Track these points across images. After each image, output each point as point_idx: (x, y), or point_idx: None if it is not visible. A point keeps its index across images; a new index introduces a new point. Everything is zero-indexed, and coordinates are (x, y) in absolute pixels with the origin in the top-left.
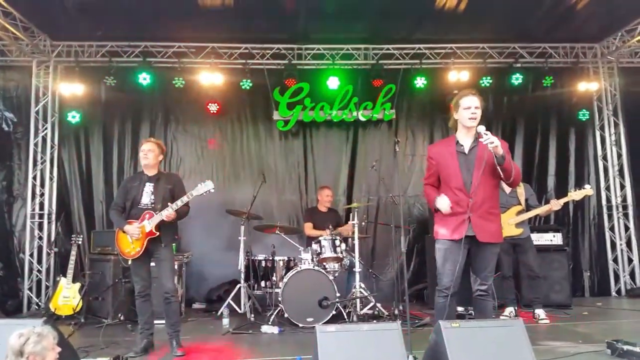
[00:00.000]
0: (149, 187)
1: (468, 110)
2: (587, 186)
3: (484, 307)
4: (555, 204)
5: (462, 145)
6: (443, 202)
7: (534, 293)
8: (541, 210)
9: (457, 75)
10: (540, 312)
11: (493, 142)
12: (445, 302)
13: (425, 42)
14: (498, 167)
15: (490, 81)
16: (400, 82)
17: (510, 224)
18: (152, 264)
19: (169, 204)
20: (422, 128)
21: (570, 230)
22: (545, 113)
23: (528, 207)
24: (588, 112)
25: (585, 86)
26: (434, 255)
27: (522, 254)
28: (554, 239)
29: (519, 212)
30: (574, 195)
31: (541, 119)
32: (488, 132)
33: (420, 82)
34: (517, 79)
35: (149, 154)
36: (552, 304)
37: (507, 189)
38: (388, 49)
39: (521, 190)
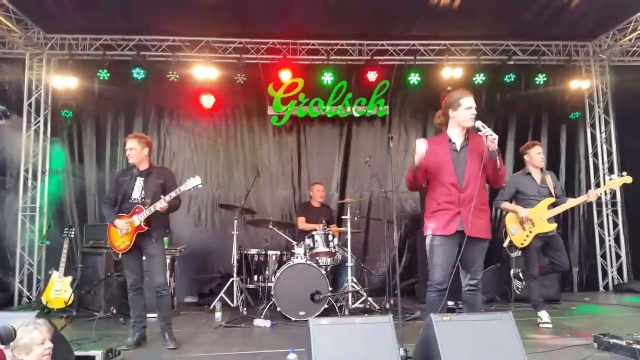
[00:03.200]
0: (139, 182)
1: (469, 110)
2: (624, 173)
3: (474, 301)
4: (593, 195)
5: (454, 143)
6: (420, 144)
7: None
8: (577, 201)
9: (451, 72)
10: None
11: (493, 135)
12: (436, 297)
13: (420, 38)
14: (491, 162)
15: (484, 78)
16: (395, 78)
17: (543, 218)
18: (144, 258)
19: (162, 197)
20: (416, 124)
21: (559, 226)
22: (537, 110)
23: (555, 199)
24: (579, 110)
25: (577, 84)
26: (424, 251)
27: (555, 252)
28: None
29: (551, 205)
30: (612, 184)
31: (533, 116)
32: (486, 126)
33: (414, 78)
34: (509, 77)
35: (131, 153)
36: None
37: (538, 179)
38: (382, 45)
39: (550, 180)
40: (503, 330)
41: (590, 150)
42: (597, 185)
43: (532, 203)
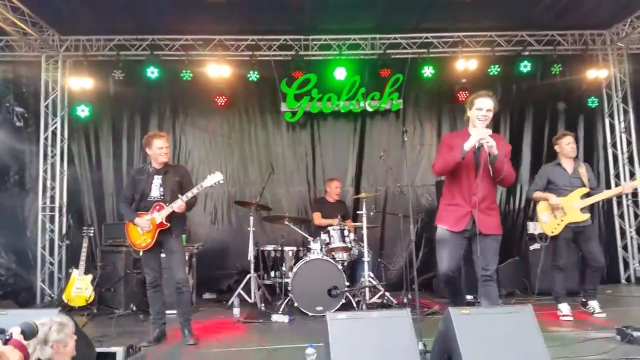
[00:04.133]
0: (157, 180)
1: (479, 111)
2: None
3: (489, 291)
4: (628, 187)
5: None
6: (477, 133)
7: (591, 284)
8: (610, 193)
9: (465, 63)
10: (595, 305)
11: (487, 141)
12: (446, 286)
13: (433, 31)
14: (489, 166)
15: (499, 69)
16: (408, 71)
17: (576, 208)
18: (163, 255)
19: (179, 195)
20: (430, 117)
21: None
22: (554, 101)
23: (589, 190)
24: (597, 100)
25: (595, 73)
26: None
27: (586, 242)
28: None
29: (584, 196)
30: None
31: (550, 107)
32: (487, 134)
33: (427, 71)
34: (525, 67)
35: (166, 151)
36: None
37: (570, 169)
38: (395, 38)
39: (583, 171)
40: (523, 323)
41: (609, 141)
42: (617, 176)
43: (563, 193)
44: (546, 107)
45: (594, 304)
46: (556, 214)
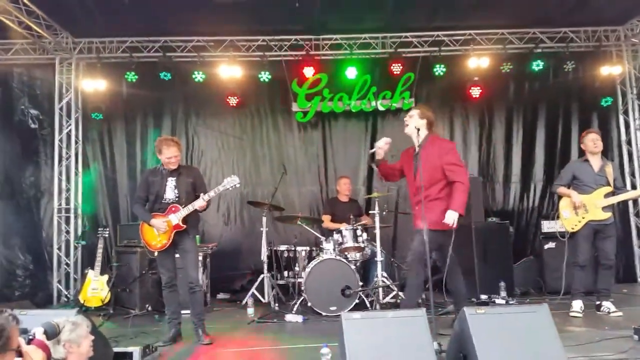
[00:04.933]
0: (171, 182)
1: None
2: None
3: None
4: None
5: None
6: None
7: (604, 284)
8: (635, 193)
9: (477, 61)
10: (609, 305)
11: (379, 146)
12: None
13: (444, 29)
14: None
15: (511, 67)
16: (419, 70)
17: (598, 206)
18: (177, 255)
19: (201, 194)
20: (442, 116)
21: None
22: (567, 98)
23: (614, 189)
24: (611, 97)
25: (608, 70)
26: (455, 244)
27: (603, 240)
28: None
29: (608, 194)
30: None
31: (563, 104)
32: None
33: (439, 69)
34: (537, 65)
35: (175, 161)
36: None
37: (596, 167)
38: (406, 37)
39: (610, 169)
40: (539, 322)
41: (623, 138)
42: (632, 174)
43: (587, 190)
44: (559, 104)
45: (607, 305)
46: (578, 211)
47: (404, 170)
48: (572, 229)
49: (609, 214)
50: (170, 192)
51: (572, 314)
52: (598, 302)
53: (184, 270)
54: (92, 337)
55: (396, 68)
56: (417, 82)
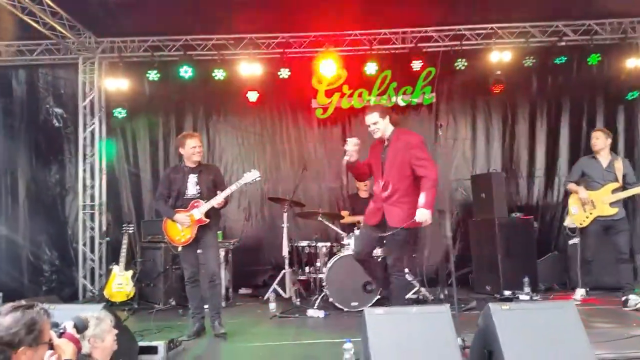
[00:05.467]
0: (193, 178)
1: (369, 127)
2: None
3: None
4: None
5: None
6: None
7: (625, 278)
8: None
9: (499, 55)
10: (636, 298)
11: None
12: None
13: (465, 23)
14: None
15: (534, 61)
16: (440, 64)
17: (605, 202)
18: (199, 250)
19: (218, 192)
20: (464, 110)
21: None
22: (591, 92)
23: (625, 185)
24: (637, 90)
25: (635, 62)
26: (478, 240)
27: (614, 235)
28: None
29: (615, 190)
30: None
31: (587, 98)
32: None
33: (460, 64)
34: (561, 59)
35: (200, 150)
36: (603, 287)
37: (604, 163)
38: (426, 31)
39: (619, 165)
40: (565, 319)
41: None
42: None
43: (595, 186)
44: (583, 98)
45: (634, 298)
46: (585, 207)
47: (371, 166)
48: (581, 224)
49: (616, 210)
50: (192, 188)
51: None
52: (624, 298)
53: (205, 264)
54: (116, 332)
55: (416, 65)
56: (439, 76)
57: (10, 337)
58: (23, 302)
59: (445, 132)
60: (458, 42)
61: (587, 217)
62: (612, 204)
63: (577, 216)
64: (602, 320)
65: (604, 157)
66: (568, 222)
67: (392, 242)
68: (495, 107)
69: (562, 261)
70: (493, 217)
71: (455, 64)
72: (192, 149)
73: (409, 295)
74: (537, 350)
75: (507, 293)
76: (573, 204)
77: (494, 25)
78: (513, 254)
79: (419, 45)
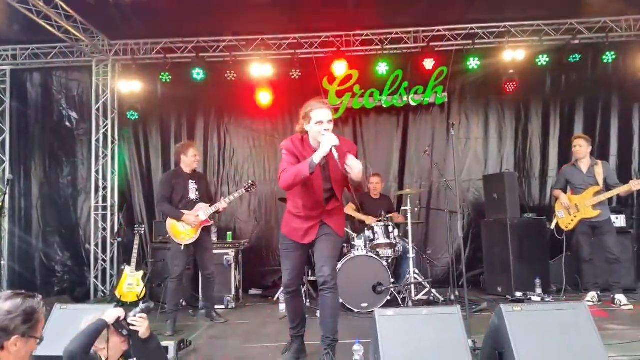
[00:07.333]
0: (192, 184)
1: (321, 125)
2: None
3: (322, 301)
4: (636, 184)
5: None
6: (327, 141)
7: (613, 277)
8: (619, 190)
9: (513, 54)
10: (621, 298)
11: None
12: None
13: (478, 21)
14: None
15: (548, 59)
16: (452, 64)
17: (587, 205)
18: (194, 250)
19: (222, 198)
20: (477, 110)
21: (634, 211)
22: (606, 90)
23: (607, 187)
24: None
25: None
26: (490, 240)
27: (601, 236)
28: (617, 221)
29: (597, 193)
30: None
31: (602, 97)
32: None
33: (473, 63)
34: (575, 57)
35: (198, 159)
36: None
37: (584, 169)
38: (439, 30)
39: (599, 170)
40: (578, 320)
41: None
42: None
43: (579, 191)
44: (598, 97)
45: (620, 297)
46: (570, 211)
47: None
48: (566, 227)
49: (598, 212)
50: (193, 193)
51: (623, 307)
52: (612, 296)
53: (201, 264)
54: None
55: (428, 64)
56: (451, 76)
57: (7, 322)
58: (24, 291)
59: (458, 131)
60: (470, 41)
61: (572, 220)
62: (594, 207)
63: (563, 220)
64: (614, 322)
65: (585, 164)
66: (553, 225)
67: (325, 248)
68: (508, 106)
69: (574, 262)
70: (505, 218)
71: (468, 63)
72: (193, 157)
73: (420, 297)
74: (549, 352)
75: (518, 294)
76: (559, 208)
77: (507, 24)
78: (525, 255)
79: (431, 44)
